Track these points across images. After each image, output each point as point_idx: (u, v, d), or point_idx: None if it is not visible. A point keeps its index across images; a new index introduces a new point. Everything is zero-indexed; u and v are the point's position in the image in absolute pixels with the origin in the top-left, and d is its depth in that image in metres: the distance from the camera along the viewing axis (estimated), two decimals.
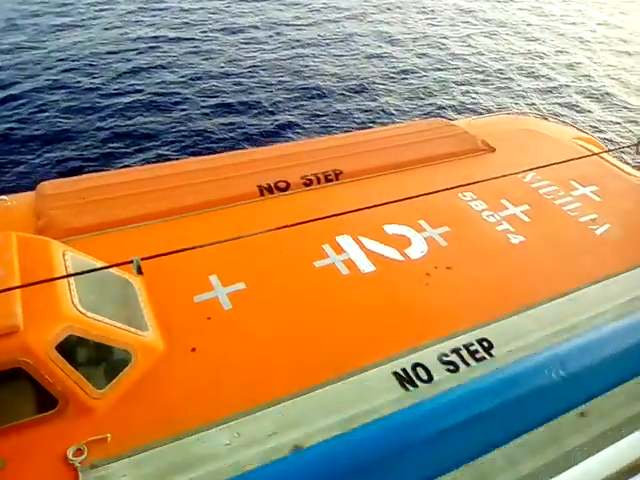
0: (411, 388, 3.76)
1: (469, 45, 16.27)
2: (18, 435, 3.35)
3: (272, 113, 11.89)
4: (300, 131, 11.32)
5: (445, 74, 14.30)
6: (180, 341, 4.03)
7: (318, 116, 11.91)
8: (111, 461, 3.28)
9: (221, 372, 3.87)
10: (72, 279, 3.78)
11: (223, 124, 11.35)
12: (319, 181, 5.86)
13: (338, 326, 4.27)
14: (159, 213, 5.23)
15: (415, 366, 3.90)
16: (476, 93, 13.47)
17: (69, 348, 3.50)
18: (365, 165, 6.14)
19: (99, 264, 4.28)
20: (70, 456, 3.26)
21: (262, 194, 5.65)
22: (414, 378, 3.82)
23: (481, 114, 11.58)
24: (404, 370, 3.87)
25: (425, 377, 3.83)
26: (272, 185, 5.70)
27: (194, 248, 3.13)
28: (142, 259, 2.98)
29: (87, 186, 5.45)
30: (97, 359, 3.78)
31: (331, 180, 5.90)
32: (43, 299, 3.53)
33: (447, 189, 4.10)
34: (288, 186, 5.75)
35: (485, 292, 4.62)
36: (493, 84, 14.00)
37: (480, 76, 14.33)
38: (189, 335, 4.09)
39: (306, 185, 5.82)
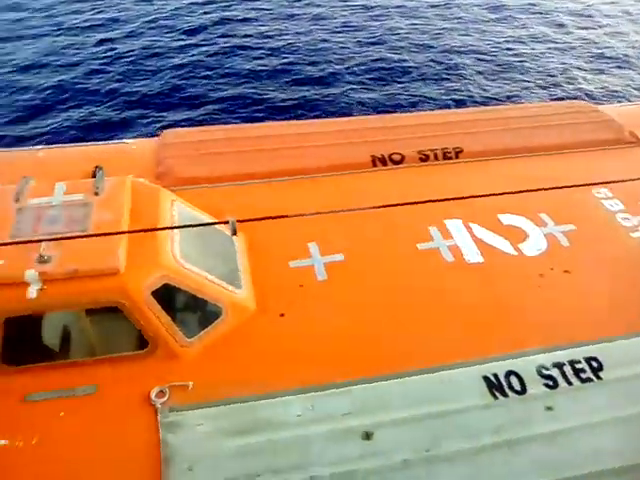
0: (500, 396, 3.47)
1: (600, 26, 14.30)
2: (111, 367, 3.58)
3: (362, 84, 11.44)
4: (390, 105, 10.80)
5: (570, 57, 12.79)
6: (270, 304, 4.05)
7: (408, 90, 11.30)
8: (189, 408, 3.40)
9: (306, 342, 3.83)
10: (176, 230, 3.89)
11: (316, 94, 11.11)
12: (436, 157, 5.52)
13: (433, 315, 4.04)
14: (269, 173, 5.23)
15: (509, 374, 3.59)
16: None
17: (164, 295, 3.64)
18: (490, 145, 5.66)
19: (205, 217, 4.39)
20: (153, 396, 3.43)
21: (374, 165, 5.44)
22: (505, 386, 3.53)
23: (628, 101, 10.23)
24: (496, 376, 3.58)
25: (518, 387, 3.52)
26: (386, 156, 5.47)
27: (298, 216, 3.06)
28: (238, 221, 2.98)
29: (206, 138, 5.58)
30: (189, 309, 3.92)
31: (450, 158, 5.53)
32: (145, 246, 3.66)
33: (585, 185, 3.63)
34: (403, 159, 5.48)
35: (603, 305, 4.11)
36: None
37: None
38: (280, 300, 4.09)
39: (422, 160, 5.51)
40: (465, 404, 3.43)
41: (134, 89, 11.26)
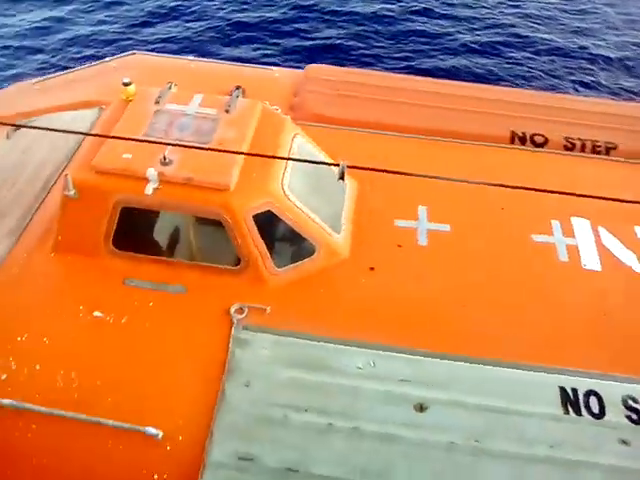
0: (572, 413, 3.23)
1: None
2: (204, 274, 3.83)
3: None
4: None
5: None
6: (363, 256, 4.05)
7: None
8: (260, 330, 3.58)
9: (386, 301, 3.82)
10: (290, 162, 3.98)
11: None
12: (583, 148, 5.03)
13: (527, 310, 3.81)
14: (401, 127, 5.10)
15: (590, 393, 3.31)
16: None
17: (265, 221, 3.78)
18: None
19: (322, 156, 4.44)
20: (232, 310, 3.64)
21: (512, 141, 5.09)
22: (582, 404, 3.27)
23: None
24: (575, 391, 3.32)
25: (596, 410, 3.24)
26: (528, 135, 5.08)
27: (415, 175, 2.96)
28: (350, 167, 2.96)
29: (347, 79, 5.54)
30: (285, 241, 4.04)
31: (599, 152, 5.01)
32: (258, 171, 3.80)
33: None
34: (546, 142, 5.07)
35: None
36: None
37: None
38: (374, 254, 4.08)
39: (567, 148, 5.05)
40: (532, 409, 3.24)
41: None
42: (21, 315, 3.66)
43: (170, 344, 3.52)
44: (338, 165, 2.96)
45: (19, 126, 3.40)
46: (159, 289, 3.74)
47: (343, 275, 3.95)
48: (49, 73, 6.51)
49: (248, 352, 3.48)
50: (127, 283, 3.75)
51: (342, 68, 5.97)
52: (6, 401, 3.22)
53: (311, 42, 10.78)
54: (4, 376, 3.36)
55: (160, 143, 3.36)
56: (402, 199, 4.46)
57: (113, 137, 3.31)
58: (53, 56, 10.33)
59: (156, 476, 3.09)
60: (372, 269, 4.00)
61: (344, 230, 4.15)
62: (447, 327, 3.69)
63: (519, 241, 4.24)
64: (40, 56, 10.34)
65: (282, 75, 5.75)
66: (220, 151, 3.25)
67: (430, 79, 6.19)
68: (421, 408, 3.27)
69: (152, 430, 3.12)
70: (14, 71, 9.81)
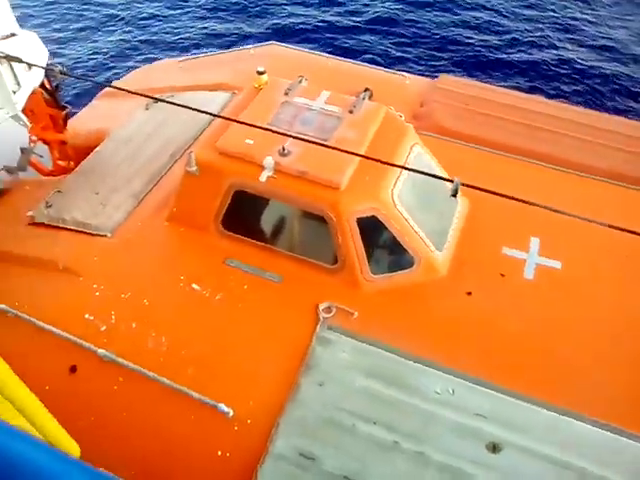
0: None
1: None
2: (301, 267, 3.89)
3: None
4: None
5: None
6: (462, 278, 3.91)
7: None
8: (344, 333, 3.57)
9: (478, 329, 3.65)
10: (404, 171, 3.92)
11: None
12: None
13: (627, 370, 3.47)
14: (526, 152, 4.84)
15: None
16: None
17: (368, 226, 3.76)
18: None
19: (438, 169, 4.33)
20: (321, 308, 3.66)
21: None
22: None
23: None
24: None
25: None
26: None
27: (536, 205, 2.81)
28: (465, 185, 2.86)
29: (477, 95, 5.36)
30: (385, 249, 4.00)
31: None
32: (371, 175, 3.78)
33: None
34: None
35: None
36: None
37: None
38: (474, 278, 3.92)
39: None
40: (612, 477, 2.96)
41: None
42: (128, 274, 3.93)
43: (256, 328, 3.62)
44: (452, 181, 2.87)
45: (157, 99, 3.65)
46: (256, 274, 3.85)
47: (438, 294, 3.84)
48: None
49: (328, 352, 3.49)
50: (228, 263, 3.90)
51: (475, 82, 5.78)
52: (101, 351, 3.47)
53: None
54: (103, 327, 3.63)
55: (281, 134, 3.44)
56: (514, 226, 4.23)
57: (239, 122, 3.44)
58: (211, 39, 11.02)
59: (219, 452, 3.19)
60: (469, 294, 3.84)
61: (447, 248, 4.02)
62: (536, 368, 3.46)
63: (637, 294, 3.88)
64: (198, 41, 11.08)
65: (412, 82, 5.67)
66: (337, 149, 3.26)
67: (566, 105, 5.82)
68: (494, 448, 3.09)
69: (224, 407, 3.22)
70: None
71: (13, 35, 4.16)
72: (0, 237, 4.38)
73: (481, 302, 3.81)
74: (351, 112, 4.10)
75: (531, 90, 9.30)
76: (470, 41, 10.88)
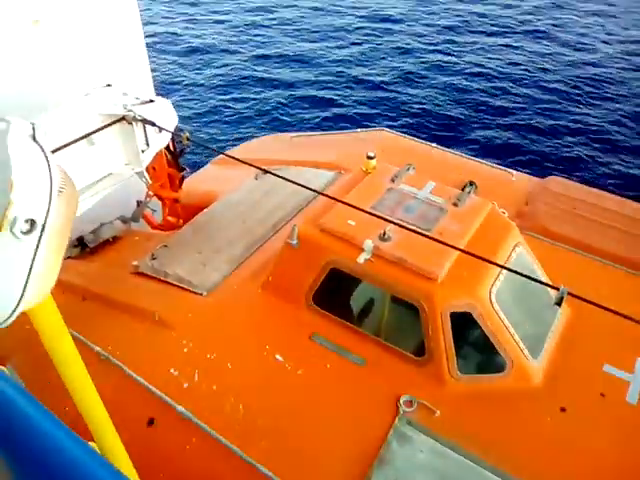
0: None
1: None
2: (386, 354, 3.81)
3: None
4: None
5: None
6: (557, 391, 3.65)
7: None
8: (423, 431, 3.40)
9: (569, 453, 3.36)
10: (504, 270, 3.81)
11: None
12: None
13: None
14: (634, 263, 4.58)
15: None
16: None
17: (461, 322, 3.65)
18: None
19: (540, 273, 4.17)
20: (401, 400, 3.54)
21: None
22: None
23: None
24: None
25: None
26: None
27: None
28: (571, 294, 2.73)
29: (586, 199, 5.20)
30: (476, 348, 3.84)
31: None
32: (470, 270, 3.70)
33: None
34: None
35: None
36: None
37: None
38: (569, 394, 3.64)
39: None
40: None
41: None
42: (217, 335, 4.03)
43: (333, 411, 3.54)
44: (557, 289, 2.75)
45: (266, 171, 3.85)
46: (340, 354, 3.81)
47: (528, 405, 3.59)
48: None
49: (405, 449, 3.32)
50: (314, 338, 3.90)
51: (584, 186, 5.62)
52: (180, 408, 3.52)
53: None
54: (186, 384, 3.70)
55: (384, 219, 3.48)
56: (619, 343, 3.94)
57: (344, 202, 3.53)
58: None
59: None
60: (563, 410, 3.56)
61: (543, 357, 3.80)
62: None
63: None
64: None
65: (518, 179, 5.62)
66: (438, 241, 3.24)
67: None
68: None
69: None
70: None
71: (151, 101, 4.58)
72: (105, 281, 4.67)
73: (576, 421, 3.51)
74: (455, 205, 4.10)
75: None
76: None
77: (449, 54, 14.68)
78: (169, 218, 5.79)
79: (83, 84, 4.76)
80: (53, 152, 3.97)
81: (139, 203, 5.49)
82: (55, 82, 4.82)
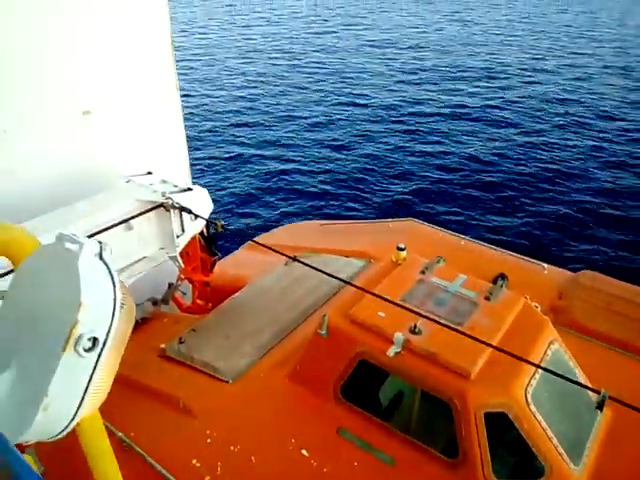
0: None
1: None
2: (415, 453, 3.64)
3: None
4: None
5: None
6: None
7: None
8: None
9: None
10: (540, 369, 3.68)
11: None
12: None
13: None
14: None
15: None
16: None
17: (495, 422, 3.49)
18: None
19: (578, 372, 4.01)
20: None
21: None
22: None
23: None
24: None
25: None
26: None
27: None
28: (611, 398, 2.62)
29: (622, 295, 5.08)
30: (511, 449, 3.64)
31: None
32: (505, 368, 3.58)
33: None
34: None
35: None
36: None
37: None
38: None
39: None
40: None
41: None
42: (242, 426, 3.92)
43: None
44: (598, 392, 2.64)
45: (296, 260, 3.91)
46: (368, 451, 3.65)
47: None
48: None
49: None
50: (341, 433, 3.76)
51: (619, 281, 5.52)
52: None
53: None
54: (207, 478, 3.56)
55: (415, 312, 3.46)
56: None
57: (374, 294, 3.52)
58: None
59: None
60: None
61: (584, 464, 3.57)
62: None
63: None
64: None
65: (550, 272, 5.56)
66: (471, 337, 3.18)
67: None
68: None
69: None
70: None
71: (189, 189, 4.77)
72: (132, 363, 4.64)
73: None
74: (487, 299, 4.05)
75: None
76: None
77: (474, 146, 15.11)
78: (198, 301, 5.83)
79: (126, 171, 5.02)
80: (93, 235, 4.12)
81: (170, 285, 5.56)
82: (100, 168, 5.08)
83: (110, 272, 1.65)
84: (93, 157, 5.06)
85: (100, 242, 1.66)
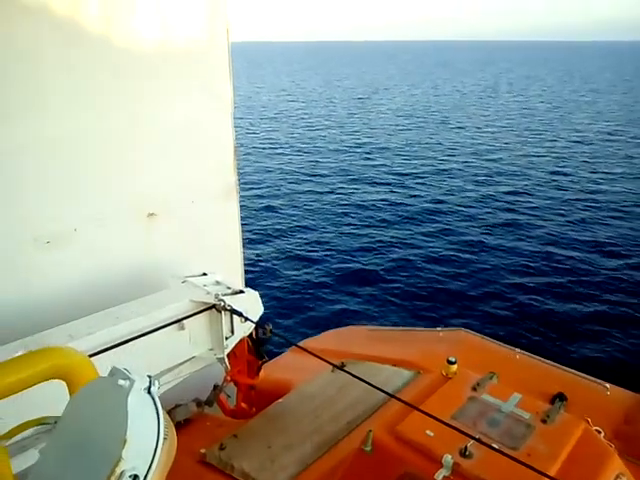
0: None
1: None
2: None
3: None
4: None
5: None
6: None
7: None
8: None
9: None
10: None
11: None
12: None
13: None
14: None
15: None
16: None
17: None
18: None
19: None
20: None
21: None
22: None
23: None
24: None
25: None
26: None
27: None
28: None
29: None
30: None
31: None
32: None
33: None
34: None
35: None
36: None
37: None
38: None
39: None
40: None
41: None
42: None
43: None
44: None
45: (341, 369, 3.85)
46: None
47: None
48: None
49: None
50: None
51: None
52: None
53: None
54: None
55: (466, 434, 3.28)
56: None
57: (421, 411, 3.38)
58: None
59: None
60: None
61: None
62: None
63: None
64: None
65: (614, 393, 5.20)
66: (527, 466, 2.96)
67: None
68: None
69: None
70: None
71: (241, 292, 4.87)
72: (171, 469, 4.54)
73: None
74: (544, 421, 3.81)
75: None
76: None
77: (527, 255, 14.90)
78: (243, 404, 5.74)
79: (182, 271, 5.20)
80: (147, 334, 4.21)
81: (215, 387, 5.52)
82: (159, 268, 5.29)
83: (157, 408, 1.71)
84: (153, 257, 5.30)
85: (150, 376, 1.74)
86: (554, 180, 23.88)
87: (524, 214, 19.17)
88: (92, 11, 4.44)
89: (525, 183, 23.57)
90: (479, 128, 35.99)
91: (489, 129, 36.75)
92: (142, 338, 4.19)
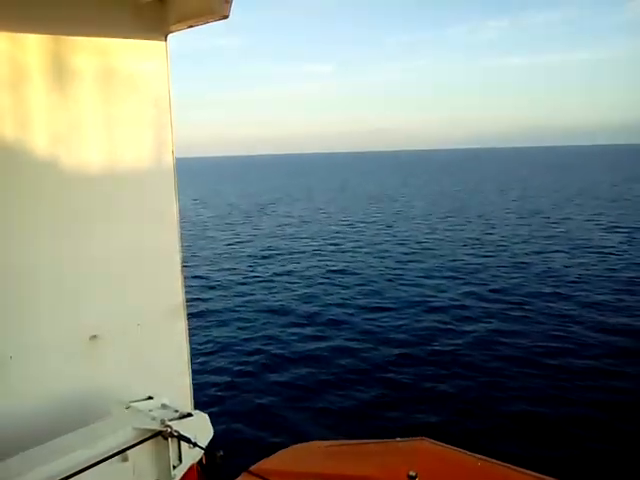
0: None
1: None
2: None
3: None
4: None
5: None
6: None
7: None
8: None
9: None
10: None
11: None
12: None
13: None
14: None
15: None
16: None
17: None
18: None
19: None
20: None
21: None
22: None
23: None
24: None
25: None
26: None
27: None
28: None
29: None
30: None
31: None
32: None
33: None
34: None
35: None
36: None
37: None
38: None
39: None
40: None
41: None
42: None
43: None
44: None
45: None
46: None
47: None
48: None
49: None
50: None
51: None
52: None
53: None
54: None
55: None
56: None
57: None
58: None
59: None
60: None
61: None
62: None
63: None
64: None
65: None
66: None
67: None
68: None
69: None
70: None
71: (189, 415, 4.65)
72: None
73: None
74: None
75: None
76: None
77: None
78: None
79: (127, 396, 4.95)
80: (87, 469, 3.90)
81: None
82: (103, 393, 5.01)
83: None
84: (97, 382, 5.06)
85: None
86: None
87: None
88: (39, 133, 4.52)
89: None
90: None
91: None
92: (82, 474, 3.88)
